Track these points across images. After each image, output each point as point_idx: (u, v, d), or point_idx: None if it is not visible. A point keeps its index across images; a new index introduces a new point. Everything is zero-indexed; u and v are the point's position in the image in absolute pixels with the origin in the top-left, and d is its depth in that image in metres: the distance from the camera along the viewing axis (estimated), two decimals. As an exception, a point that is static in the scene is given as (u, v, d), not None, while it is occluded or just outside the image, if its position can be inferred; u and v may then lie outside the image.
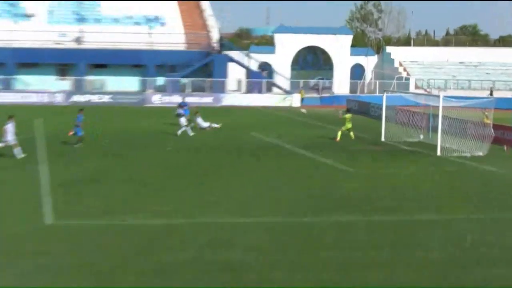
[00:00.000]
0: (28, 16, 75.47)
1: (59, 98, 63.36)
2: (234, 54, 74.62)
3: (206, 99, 64.87)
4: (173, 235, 16.47)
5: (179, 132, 38.86)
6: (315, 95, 73.39)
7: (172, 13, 78.96)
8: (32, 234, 16.59)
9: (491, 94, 64.83)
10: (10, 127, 30.78)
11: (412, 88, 72.41)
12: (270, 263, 13.94)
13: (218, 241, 15.85)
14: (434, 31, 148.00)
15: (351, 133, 37.66)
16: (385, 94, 41.93)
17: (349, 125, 37.38)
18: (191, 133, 39.31)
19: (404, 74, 78.75)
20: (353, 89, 76.50)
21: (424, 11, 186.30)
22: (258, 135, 40.62)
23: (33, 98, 62.58)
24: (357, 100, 60.67)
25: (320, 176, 26.65)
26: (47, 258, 14.26)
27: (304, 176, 26.29)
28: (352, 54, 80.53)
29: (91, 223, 17.87)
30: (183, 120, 39.44)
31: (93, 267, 13.52)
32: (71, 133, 34.65)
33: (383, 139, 38.52)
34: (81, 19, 76.83)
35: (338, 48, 78.93)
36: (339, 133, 36.94)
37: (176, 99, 59.46)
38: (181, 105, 43.40)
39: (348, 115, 38.39)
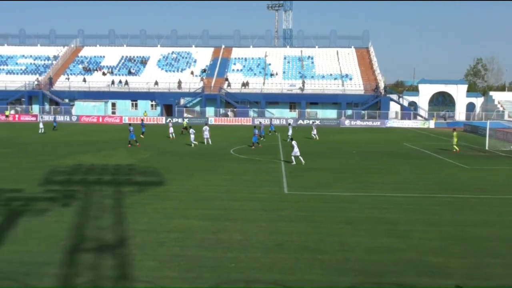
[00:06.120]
0: (272, 74, 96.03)
1: (290, 121, 78.20)
2: (393, 96, 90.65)
3: (376, 123, 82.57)
4: (352, 201, 19.52)
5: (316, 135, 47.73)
6: (443, 121, 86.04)
7: (356, 72, 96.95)
8: (276, 198, 20.21)
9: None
10: (205, 129, 36.64)
11: (505, 117, 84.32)
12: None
13: (379, 205, 18.48)
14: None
15: (455, 146, 38.08)
16: (488, 121, 47.79)
17: (455, 140, 38.27)
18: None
19: (500, 109, 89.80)
20: (467, 118, 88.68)
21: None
22: (408, 145, 44.87)
23: (275, 121, 79.85)
24: (470, 124, 72.10)
25: (446, 170, 28.38)
26: (285, 211, 17.85)
27: (435, 170, 28.42)
28: (467, 96, 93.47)
29: (307, 193, 21.13)
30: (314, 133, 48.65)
31: (308, 217, 17.02)
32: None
33: (487, 148, 41.11)
34: (303, 76, 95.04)
35: (458, 93, 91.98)
36: (455, 146, 37.94)
37: (359, 123, 79.89)
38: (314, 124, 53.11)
39: (455, 133, 39.24)
